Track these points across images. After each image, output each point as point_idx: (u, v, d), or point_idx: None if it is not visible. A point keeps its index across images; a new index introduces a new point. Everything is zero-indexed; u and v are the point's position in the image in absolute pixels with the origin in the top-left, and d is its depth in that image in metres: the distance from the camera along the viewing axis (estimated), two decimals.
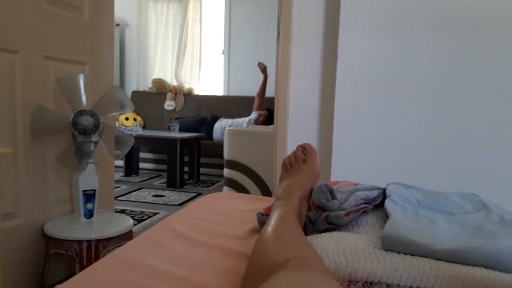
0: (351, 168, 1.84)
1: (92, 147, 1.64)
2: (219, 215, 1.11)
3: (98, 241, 1.56)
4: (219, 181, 4.38)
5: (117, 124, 4.85)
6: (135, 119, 5.08)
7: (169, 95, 5.25)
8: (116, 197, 3.25)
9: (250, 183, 2.75)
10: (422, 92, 1.75)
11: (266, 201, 1.29)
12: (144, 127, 5.06)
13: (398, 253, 0.68)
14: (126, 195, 3.46)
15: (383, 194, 0.98)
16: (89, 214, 1.69)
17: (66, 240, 1.54)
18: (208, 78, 5.48)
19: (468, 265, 0.63)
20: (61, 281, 1.72)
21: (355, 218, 0.88)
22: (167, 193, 3.65)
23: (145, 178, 4.30)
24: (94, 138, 1.62)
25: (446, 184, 1.72)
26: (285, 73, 1.96)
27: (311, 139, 1.96)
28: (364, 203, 0.91)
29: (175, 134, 4.11)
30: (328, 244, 0.73)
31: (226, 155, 2.89)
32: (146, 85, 5.43)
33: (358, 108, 1.82)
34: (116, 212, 2.15)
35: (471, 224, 0.80)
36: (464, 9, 1.69)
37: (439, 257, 0.65)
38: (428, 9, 1.72)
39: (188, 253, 0.81)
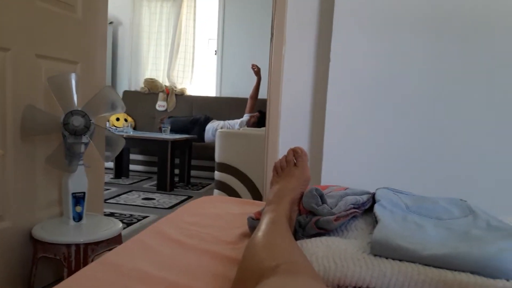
0: (341, 172, 1.85)
1: (82, 148, 1.63)
2: (210, 219, 1.11)
3: (87, 245, 1.54)
4: (209, 184, 4.37)
5: (107, 124, 4.82)
6: (126, 120, 5.05)
7: (161, 95, 5.23)
8: (105, 200, 3.22)
9: (241, 186, 2.75)
10: (415, 95, 1.77)
11: (257, 205, 1.30)
12: (135, 128, 5.04)
13: (387, 258, 0.69)
14: (116, 198, 3.44)
15: (373, 199, 0.99)
16: (78, 217, 1.67)
17: (54, 244, 1.52)
18: (200, 79, 5.48)
19: (455, 270, 0.64)
20: (49, 285, 1.71)
21: (345, 223, 0.89)
22: (157, 196, 3.63)
23: (135, 181, 4.27)
24: (84, 139, 1.61)
25: (437, 189, 1.74)
26: (278, 75, 1.97)
27: (303, 142, 1.97)
28: (354, 207, 0.91)
29: (167, 135, 4.09)
30: (317, 249, 0.74)
31: (217, 157, 2.88)
32: (138, 85, 5.40)
33: (350, 112, 1.83)
34: (105, 215, 2.13)
35: (458, 229, 0.81)
36: (461, 9, 1.70)
37: (427, 263, 0.66)
38: (423, 10, 1.73)
39: (178, 258, 0.81)
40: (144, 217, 2.88)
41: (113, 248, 1.61)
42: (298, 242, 0.78)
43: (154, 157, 4.58)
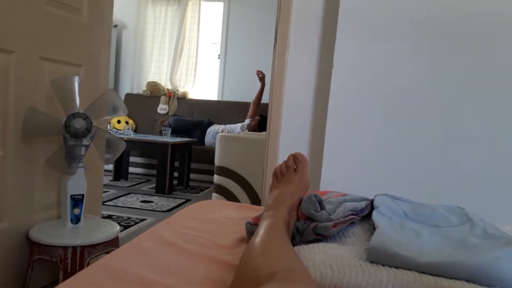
0: (340, 178, 1.85)
1: (83, 150, 1.63)
2: (208, 224, 1.11)
3: (83, 247, 1.54)
4: (208, 187, 4.37)
5: (108, 126, 4.83)
6: (127, 122, 5.06)
7: (162, 98, 5.24)
8: (103, 202, 3.22)
9: (240, 190, 2.75)
10: (417, 103, 1.77)
11: (256, 210, 1.30)
12: (135, 131, 5.04)
13: (383, 265, 0.69)
14: (114, 200, 3.44)
15: (371, 205, 0.99)
16: (76, 220, 1.67)
17: (51, 246, 1.52)
18: (202, 83, 5.49)
19: (451, 278, 0.65)
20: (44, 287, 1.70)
21: (342, 229, 0.89)
22: (155, 198, 3.63)
23: (134, 183, 4.27)
24: (85, 141, 1.62)
25: (437, 196, 1.74)
26: (280, 80, 1.98)
27: (303, 148, 1.97)
28: (352, 214, 0.92)
29: (167, 138, 4.10)
30: (314, 255, 0.74)
31: (217, 161, 2.89)
32: (140, 88, 5.42)
33: (350, 119, 1.84)
34: (103, 217, 2.13)
35: (455, 237, 0.81)
36: (466, 14, 1.71)
37: (424, 270, 0.67)
38: (427, 19, 1.74)
39: (175, 262, 0.81)
40: (142, 220, 2.88)
41: (110, 250, 1.62)
42: (296, 248, 0.78)
43: (153, 160, 4.58)
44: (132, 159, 4.64)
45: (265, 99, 4.11)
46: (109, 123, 4.95)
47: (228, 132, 4.53)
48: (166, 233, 0.98)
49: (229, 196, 2.77)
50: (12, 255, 1.59)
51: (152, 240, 0.93)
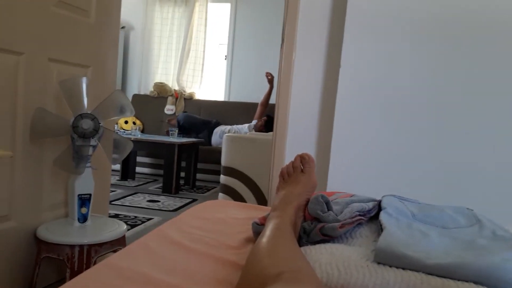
0: (348, 179, 1.84)
1: (90, 151, 1.64)
2: (214, 223, 1.11)
3: (90, 246, 1.55)
4: (215, 187, 4.37)
5: (116, 127, 4.85)
6: (134, 123, 5.08)
7: (169, 99, 5.26)
8: (110, 202, 3.24)
9: (246, 190, 2.75)
10: (426, 102, 1.76)
11: (262, 210, 1.30)
12: (143, 131, 5.07)
13: (391, 266, 0.68)
14: (121, 200, 3.46)
15: (378, 206, 0.98)
16: (83, 219, 1.68)
17: (58, 244, 1.53)
18: (209, 83, 5.50)
19: (459, 280, 0.64)
20: (50, 285, 1.72)
21: (349, 230, 0.89)
22: (162, 198, 3.64)
23: (141, 183, 4.29)
24: (93, 142, 1.62)
25: (444, 196, 1.73)
26: (287, 80, 1.98)
27: (310, 148, 1.97)
28: (359, 215, 0.91)
29: (174, 139, 4.11)
30: (321, 255, 0.74)
31: (224, 161, 2.89)
32: (147, 89, 5.45)
33: (358, 119, 1.83)
34: (110, 216, 2.14)
35: (464, 238, 0.81)
36: (476, 15, 1.69)
37: (431, 272, 0.66)
38: (436, 19, 1.73)
39: (182, 262, 0.81)
40: (149, 219, 2.89)
41: (117, 249, 1.63)
42: (302, 248, 0.78)
43: (160, 160, 4.60)
44: (139, 159, 4.66)
45: (272, 100, 4.11)
46: (117, 124, 4.97)
47: (234, 132, 4.53)
48: (172, 233, 0.98)
49: (236, 196, 2.77)
50: (20, 253, 1.60)
51: (159, 240, 0.93)
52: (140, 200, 3.51)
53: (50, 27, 1.64)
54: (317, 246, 0.79)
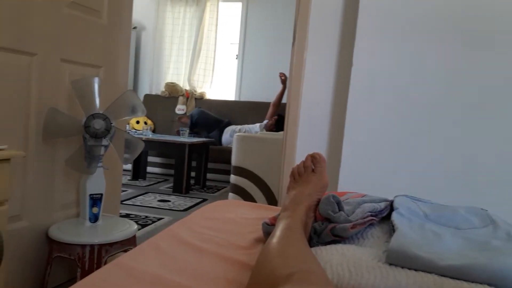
0: (359, 178, 1.83)
1: (102, 151, 1.66)
2: (224, 223, 1.11)
3: (101, 245, 1.56)
4: (225, 187, 4.38)
5: (127, 127, 4.89)
6: (145, 123, 5.12)
7: (180, 99, 5.29)
8: (121, 201, 3.26)
9: (256, 190, 2.75)
10: (439, 102, 1.74)
11: (272, 210, 1.29)
12: (154, 131, 5.10)
13: (403, 267, 0.67)
14: (132, 199, 3.48)
15: (390, 207, 0.97)
16: (94, 218, 1.69)
17: (69, 244, 1.55)
18: (220, 83, 5.51)
19: (472, 282, 0.63)
20: (62, 285, 1.74)
21: (361, 230, 0.88)
22: (172, 198, 3.66)
23: (151, 183, 4.31)
24: (105, 142, 1.64)
25: (458, 197, 1.70)
26: (298, 79, 1.97)
27: (321, 148, 1.95)
28: (371, 215, 0.90)
29: (185, 139, 4.12)
30: (332, 256, 0.73)
31: (234, 161, 2.89)
32: (159, 89, 5.48)
33: (369, 119, 1.81)
34: (121, 216, 2.16)
35: (478, 239, 0.79)
36: (492, 14, 1.66)
37: (444, 273, 0.65)
38: (450, 17, 1.70)
39: (192, 262, 0.81)
40: (159, 219, 2.90)
41: (128, 249, 1.63)
42: (313, 249, 0.77)
43: (171, 160, 4.62)
44: (150, 159, 4.69)
45: (284, 99, 4.10)
46: (128, 124, 5.01)
47: (245, 132, 4.53)
48: (182, 233, 0.98)
49: (246, 196, 2.77)
50: (32, 252, 1.62)
51: (169, 240, 0.93)
52: (151, 200, 3.53)
53: (62, 28, 1.66)
54: (328, 246, 0.79)
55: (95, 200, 1.69)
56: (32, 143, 1.58)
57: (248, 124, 4.76)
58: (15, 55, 1.48)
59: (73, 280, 1.74)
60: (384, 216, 0.95)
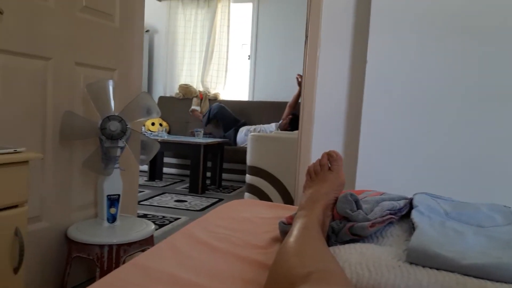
0: (377, 176, 1.80)
1: (118, 152, 1.67)
2: (240, 223, 1.10)
3: (119, 245, 1.58)
4: (241, 187, 4.38)
5: (143, 129, 4.93)
6: (161, 124, 5.15)
7: (194, 100, 5.32)
8: (139, 202, 3.29)
9: (272, 190, 2.73)
10: (454, 100, 1.70)
11: (289, 210, 1.28)
12: (169, 132, 5.13)
13: (423, 266, 0.66)
14: (149, 200, 3.50)
15: (410, 205, 0.95)
16: (112, 219, 1.71)
17: (88, 244, 1.56)
18: (233, 83, 5.52)
19: (497, 281, 0.61)
20: (81, 285, 1.76)
21: (380, 229, 0.86)
22: (189, 198, 3.67)
23: (168, 183, 4.34)
24: (121, 143, 1.65)
25: (474, 194, 1.67)
26: (312, 77, 1.95)
27: (336, 145, 1.93)
28: (390, 213, 0.89)
29: (200, 139, 4.14)
30: (350, 255, 0.72)
31: (249, 160, 2.88)
32: (173, 91, 5.52)
33: (386, 116, 1.79)
34: (138, 216, 2.17)
35: (501, 237, 0.77)
36: (505, 13, 1.63)
37: (467, 272, 0.63)
38: (464, 12, 1.67)
39: (208, 261, 0.81)
40: (176, 219, 2.92)
41: (145, 249, 1.64)
42: (331, 248, 0.76)
43: (187, 160, 4.64)
44: (166, 160, 4.72)
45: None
46: (144, 126, 5.05)
47: (259, 131, 4.53)
48: (199, 232, 0.98)
49: (261, 195, 2.76)
50: (51, 253, 1.64)
51: (186, 239, 0.93)
52: (168, 200, 3.55)
53: (76, 32, 1.68)
54: (346, 246, 0.77)
55: (113, 200, 1.70)
56: (49, 145, 1.60)
57: (263, 124, 4.75)
58: (30, 59, 1.50)
59: (92, 280, 1.75)
60: (403, 215, 0.93)
